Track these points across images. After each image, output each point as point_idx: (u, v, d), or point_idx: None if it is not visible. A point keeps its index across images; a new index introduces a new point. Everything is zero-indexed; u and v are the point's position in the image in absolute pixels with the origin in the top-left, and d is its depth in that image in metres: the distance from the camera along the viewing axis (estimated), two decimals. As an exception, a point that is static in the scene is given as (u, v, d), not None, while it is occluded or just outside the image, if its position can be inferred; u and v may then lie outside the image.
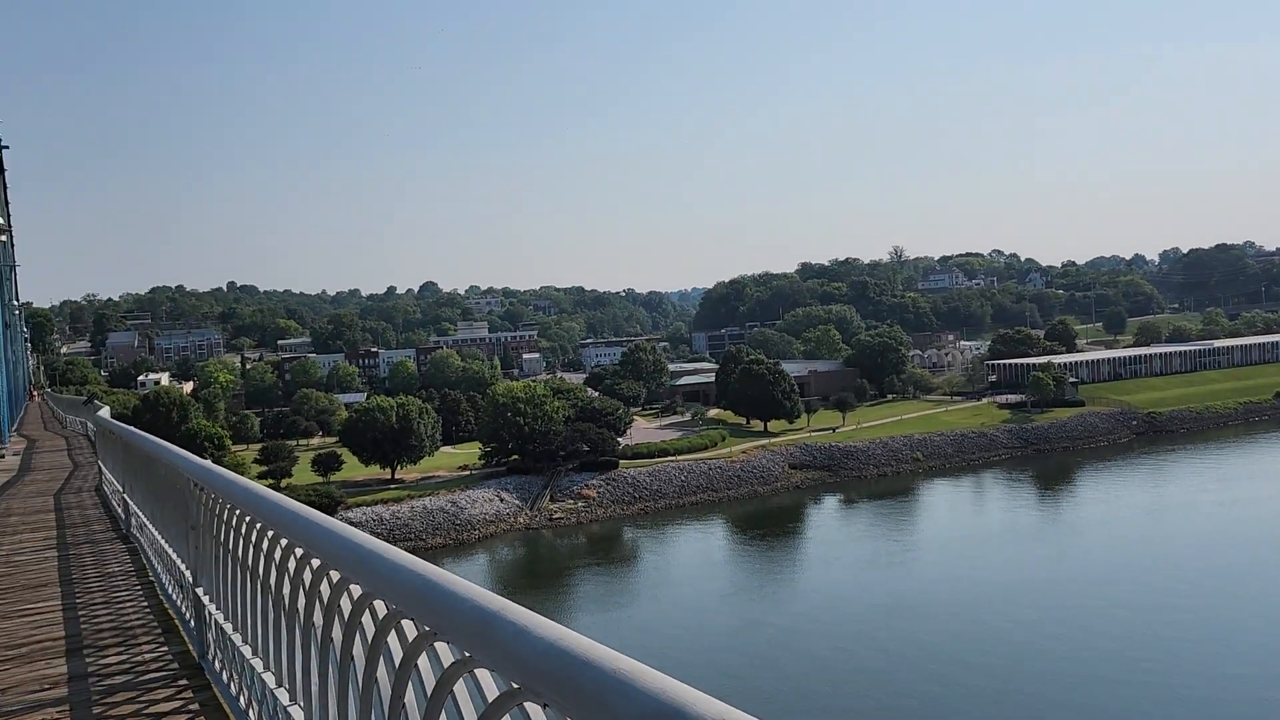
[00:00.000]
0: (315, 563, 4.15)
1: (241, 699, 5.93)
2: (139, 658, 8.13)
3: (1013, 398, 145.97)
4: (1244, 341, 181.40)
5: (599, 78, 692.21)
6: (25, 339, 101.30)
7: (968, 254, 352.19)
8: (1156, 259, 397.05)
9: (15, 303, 72.39)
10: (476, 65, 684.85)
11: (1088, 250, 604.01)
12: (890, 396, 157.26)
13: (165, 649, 8.33)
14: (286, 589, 4.68)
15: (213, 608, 6.84)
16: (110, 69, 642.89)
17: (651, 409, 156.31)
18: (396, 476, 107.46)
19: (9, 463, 31.28)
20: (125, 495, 14.94)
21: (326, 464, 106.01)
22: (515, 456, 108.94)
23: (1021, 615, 63.79)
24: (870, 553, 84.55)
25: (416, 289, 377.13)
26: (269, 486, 5.70)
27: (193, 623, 7.99)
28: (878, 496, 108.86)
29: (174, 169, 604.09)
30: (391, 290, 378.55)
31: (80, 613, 10.06)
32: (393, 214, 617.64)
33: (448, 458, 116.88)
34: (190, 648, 8.17)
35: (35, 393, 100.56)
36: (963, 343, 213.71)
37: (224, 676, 6.60)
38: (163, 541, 10.07)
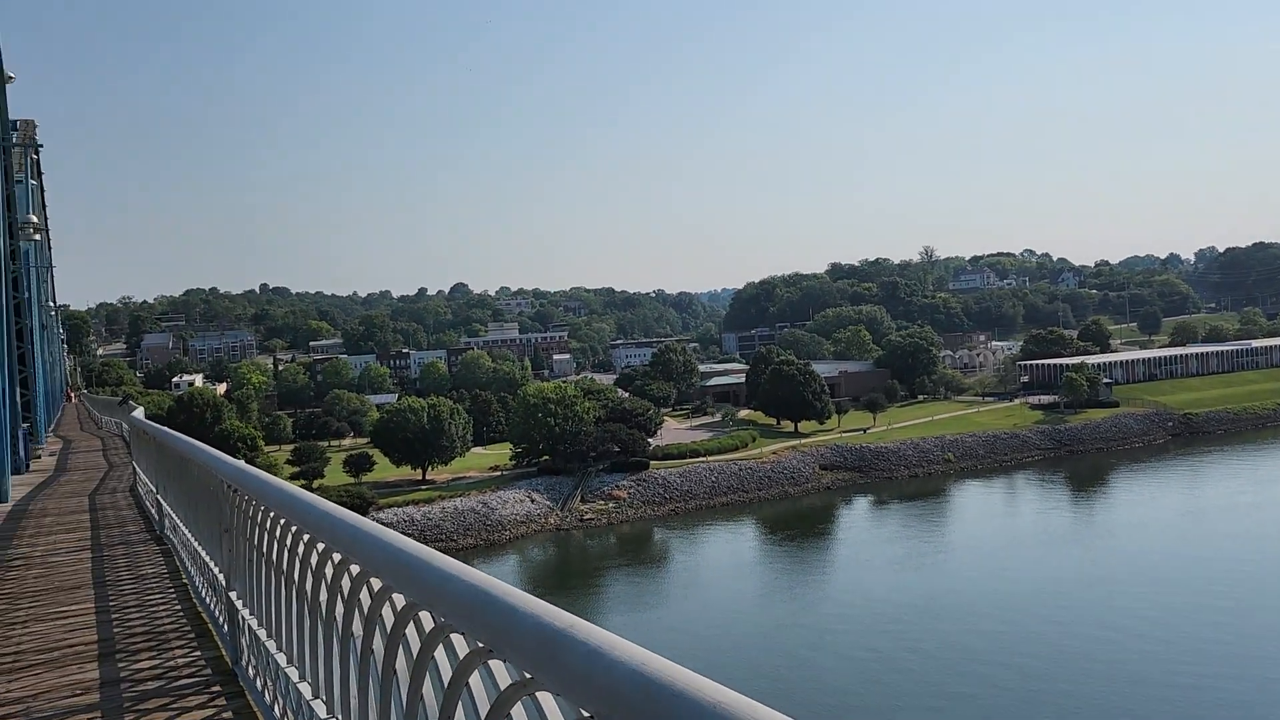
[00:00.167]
0: (354, 569, 3.93)
1: (276, 708, 5.73)
2: (171, 663, 7.98)
3: (1046, 398, 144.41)
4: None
5: (629, 77, 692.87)
6: (62, 341, 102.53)
7: (999, 254, 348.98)
8: (1192, 258, 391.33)
9: (51, 304, 73.23)
10: (505, 66, 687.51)
11: (1121, 249, 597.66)
12: (921, 397, 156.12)
13: (198, 654, 8.17)
14: (324, 596, 4.46)
15: (246, 613, 6.65)
16: (145, 73, 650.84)
17: (682, 410, 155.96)
18: (428, 477, 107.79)
19: (45, 463, 31.49)
20: (159, 496, 14.87)
21: (358, 465, 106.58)
22: (546, 457, 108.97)
23: (1056, 616, 63.10)
24: (902, 554, 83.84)
25: (447, 290, 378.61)
26: (301, 487, 5.45)
27: (226, 627, 7.82)
28: (909, 498, 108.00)
29: (208, 172, 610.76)
30: (422, 291, 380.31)
31: (113, 616, 9.94)
32: (424, 216, 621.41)
33: (478, 458, 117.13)
34: (224, 653, 8.00)
35: (72, 394, 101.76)
36: (994, 343, 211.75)
37: (258, 684, 6.41)
38: (195, 543, 9.93)
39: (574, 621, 2.17)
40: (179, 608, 10.01)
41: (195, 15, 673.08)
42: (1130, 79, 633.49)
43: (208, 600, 9.26)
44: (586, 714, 2.01)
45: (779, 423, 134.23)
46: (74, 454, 35.70)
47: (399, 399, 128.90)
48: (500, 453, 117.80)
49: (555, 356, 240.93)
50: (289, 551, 5.17)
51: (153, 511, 16.27)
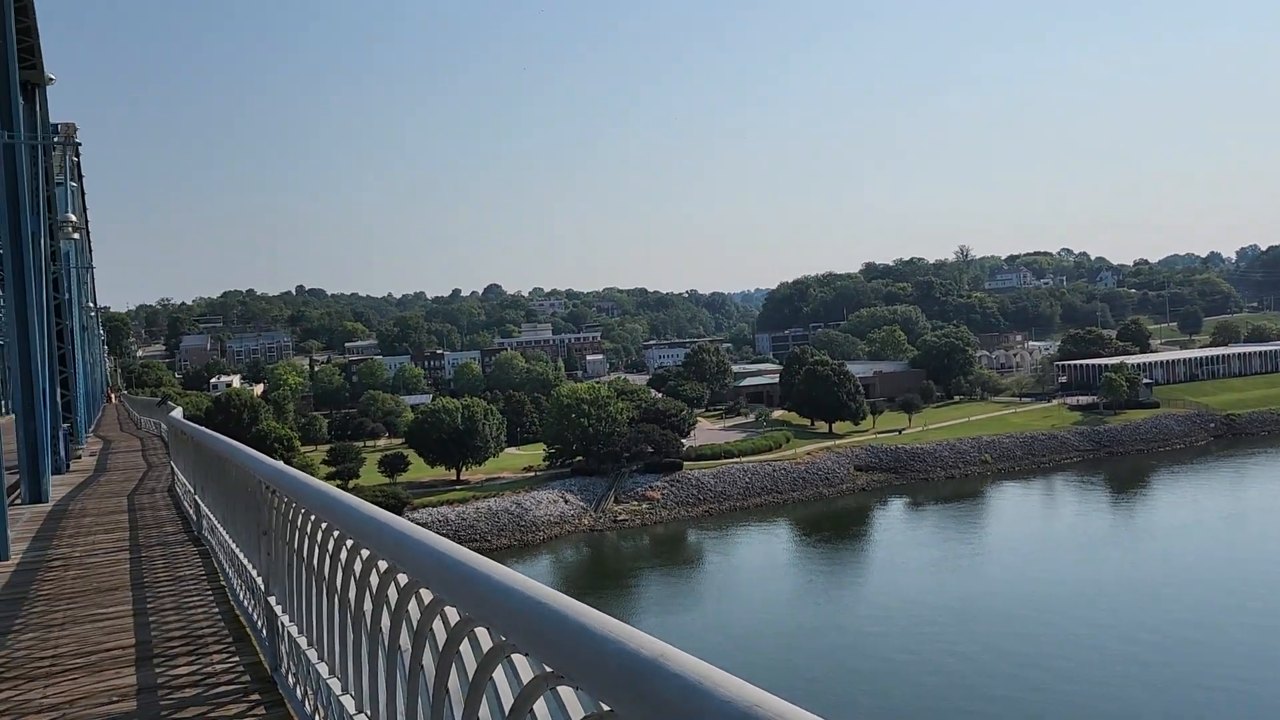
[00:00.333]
0: (402, 579, 3.69)
1: (317, 718, 5.53)
2: (209, 669, 7.82)
3: (1084, 399, 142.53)
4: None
5: (661, 76, 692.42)
6: (102, 342, 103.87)
7: (1036, 253, 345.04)
8: (1234, 256, 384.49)
9: (92, 306, 74.14)
10: (539, 66, 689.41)
11: (1161, 248, 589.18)
12: (957, 398, 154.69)
13: (236, 659, 8.00)
14: (369, 606, 4.23)
15: (285, 619, 6.45)
16: (184, 76, 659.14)
17: (715, 410, 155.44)
18: (462, 478, 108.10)
19: (86, 463, 31.74)
20: (197, 496, 14.79)
21: (393, 465, 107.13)
22: (579, 458, 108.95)
23: (1096, 619, 62.28)
24: (938, 556, 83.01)
25: (481, 291, 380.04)
26: (336, 488, 5.23)
27: (265, 633, 7.64)
28: (945, 499, 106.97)
29: (245, 175, 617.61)
30: (456, 293, 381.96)
31: (150, 619, 9.82)
32: (457, 217, 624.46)
33: (512, 459, 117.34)
34: (262, 659, 7.82)
35: (112, 395, 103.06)
36: (1031, 343, 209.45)
37: (298, 693, 6.20)
38: (234, 545, 9.78)
39: (664, 650, 1.92)
40: (217, 611, 9.87)
41: (233, 20, 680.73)
42: (1171, 75, 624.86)
43: (246, 604, 9.10)
44: None
45: (813, 423, 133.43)
46: (113, 454, 35.96)
47: (433, 399, 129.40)
48: (534, 453, 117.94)
49: (588, 357, 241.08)
50: (330, 557, 4.95)
51: (190, 512, 16.21)
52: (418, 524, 4.63)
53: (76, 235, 32.96)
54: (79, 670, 8.09)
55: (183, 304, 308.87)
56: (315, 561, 5.38)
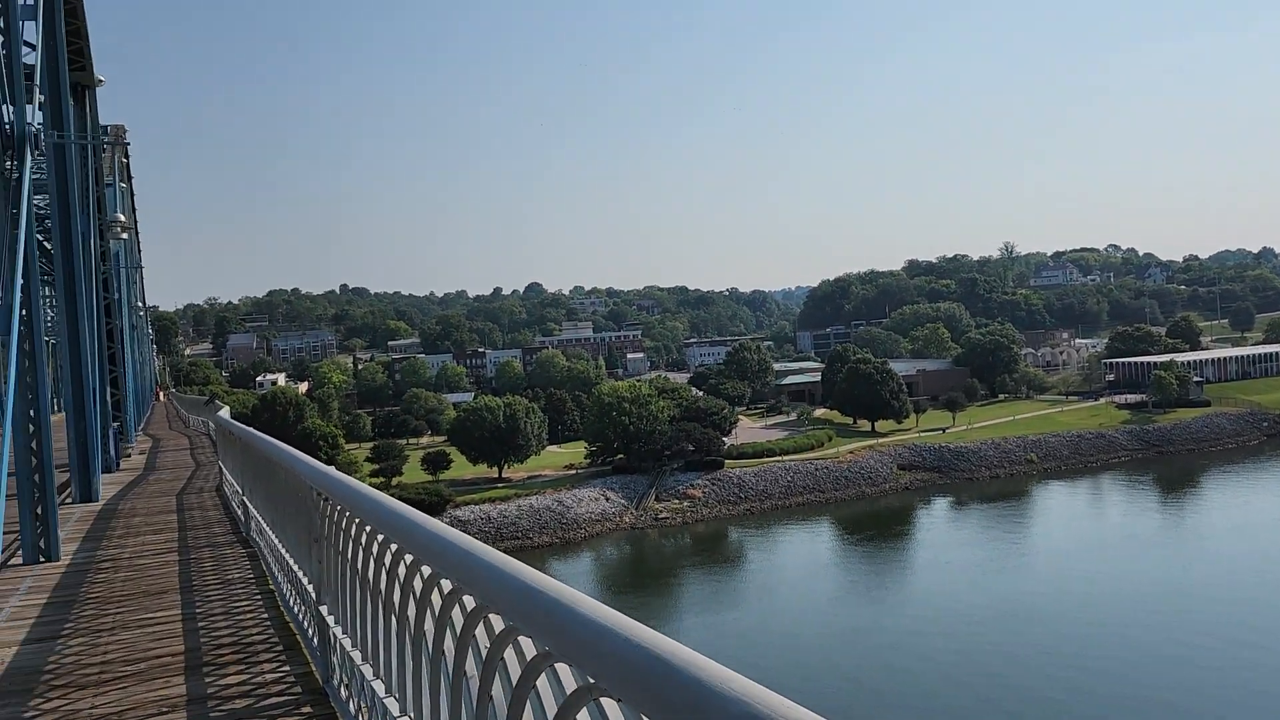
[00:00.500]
0: (469, 601, 3.44)
1: (372, 736, 5.32)
2: (260, 679, 7.64)
3: (1133, 398, 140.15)
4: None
5: (701, 77, 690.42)
6: (151, 341, 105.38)
7: (1082, 249, 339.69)
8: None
9: (141, 305, 75.19)
10: (577, 65, 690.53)
11: (1211, 243, 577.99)
12: (1002, 396, 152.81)
13: (287, 669, 7.82)
14: (430, 627, 3.99)
15: (338, 631, 6.23)
16: (229, 78, 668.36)
17: (756, 409, 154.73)
18: (503, 475, 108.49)
19: (135, 461, 32.02)
20: (245, 498, 14.71)
21: (435, 463, 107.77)
22: (620, 456, 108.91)
23: (1146, 621, 61.19)
24: (983, 557, 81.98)
25: (522, 290, 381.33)
26: (379, 486, 4.97)
27: (316, 642, 7.45)
28: (990, 499, 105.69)
29: (290, 175, 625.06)
30: (497, 291, 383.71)
31: (200, 624, 9.69)
32: (498, 216, 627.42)
33: (553, 457, 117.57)
34: (314, 669, 7.64)
35: (161, 393, 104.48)
36: (1078, 341, 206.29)
37: (351, 707, 5.99)
38: (283, 550, 9.63)
39: (729, 677, 1.81)
40: (266, 617, 9.73)
41: (279, 22, 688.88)
42: (1218, 67, 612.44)
43: (296, 610, 8.93)
44: None
45: (855, 422, 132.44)
46: (162, 452, 36.29)
47: (475, 398, 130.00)
48: (575, 451, 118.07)
49: (629, 355, 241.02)
50: (388, 573, 4.71)
51: (239, 513, 16.17)
52: (460, 522, 4.43)
53: (125, 235, 33.31)
54: (128, 679, 7.96)
55: (229, 303, 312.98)
56: (370, 575, 5.15)
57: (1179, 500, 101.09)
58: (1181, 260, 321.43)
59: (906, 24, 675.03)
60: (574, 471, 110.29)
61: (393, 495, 5.91)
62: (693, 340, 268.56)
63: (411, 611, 4.31)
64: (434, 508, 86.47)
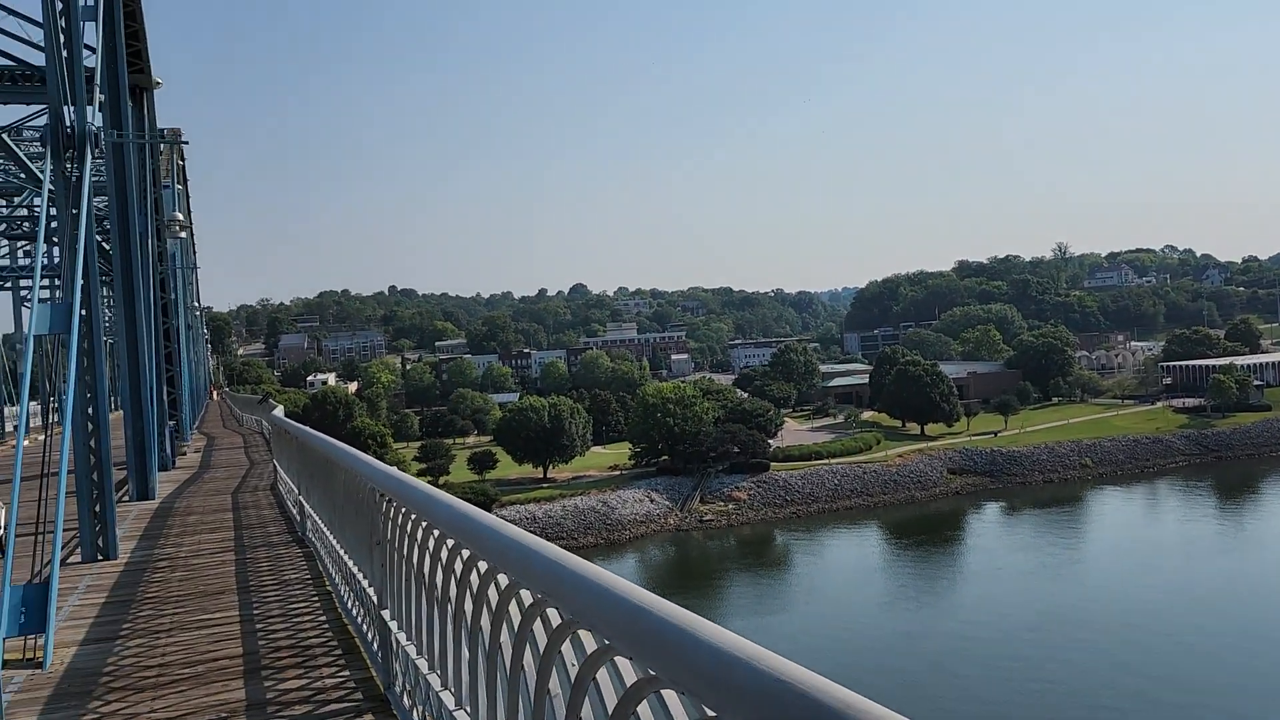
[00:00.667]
0: (552, 614, 3.21)
1: (438, 746, 5.11)
2: (319, 684, 7.49)
3: (1190, 401, 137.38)
4: None
5: (745, 75, 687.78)
6: (206, 340, 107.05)
7: (1138, 250, 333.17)
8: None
9: (197, 306, 76.37)
10: (620, 65, 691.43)
11: (1271, 244, 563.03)
12: (1055, 400, 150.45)
13: (347, 674, 7.66)
14: (506, 638, 3.77)
15: (402, 637, 6.04)
16: (279, 84, 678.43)
17: (803, 411, 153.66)
18: (548, 475, 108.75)
19: (190, 459, 32.37)
20: (301, 498, 14.66)
21: (482, 462, 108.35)
22: (665, 457, 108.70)
23: (1208, 627, 59.99)
24: (1036, 563, 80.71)
25: (566, 291, 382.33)
26: (467, 502, 4.75)
27: (376, 646, 7.28)
28: (1043, 504, 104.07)
29: (338, 178, 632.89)
30: (542, 292, 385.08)
31: (258, 626, 9.59)
32: (543, 217, 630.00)
33: (598, 457, 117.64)
34: (374, 674, 7.47)
35: (215, 392, 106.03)
36: (1134, 343, 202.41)
37: (415, 716, 5.79)
38: (341, 551, 9.49)
39: (790, 669, 1.82)
40: (324, 619, 9.60)
41: (327, 27, 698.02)
42: (1273, 63, 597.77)
43: (354, 612, 8.79)
44: None
45: (904, 425, 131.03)
46: (217, 451, 36.68)
47: (520, 398, 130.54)
48: (619, 452, 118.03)
49: (673, 356, 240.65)
50: (459, 581, 4.49)
51: (294, 513, 16.15)
52: (506, 521, 4.27)
53: (184, 234, 33.77)
54: (186, 682, 7.86)
55: (281, 304, 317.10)
56: (439, 581, 4.94)
57: (1238, 506, 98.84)
58: (1240, 261, 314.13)
59: (955, 16, 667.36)
60: (618, 472, 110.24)
61: None
62: (737, 342, 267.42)
63: (486, 623, 4.09)
64: (480, 507, 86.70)
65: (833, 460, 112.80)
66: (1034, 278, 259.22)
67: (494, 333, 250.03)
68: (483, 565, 4.13)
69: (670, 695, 2.40)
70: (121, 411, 20.87)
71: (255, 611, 10.23)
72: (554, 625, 3.17)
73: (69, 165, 13.58)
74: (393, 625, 6.39)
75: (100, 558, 14.04)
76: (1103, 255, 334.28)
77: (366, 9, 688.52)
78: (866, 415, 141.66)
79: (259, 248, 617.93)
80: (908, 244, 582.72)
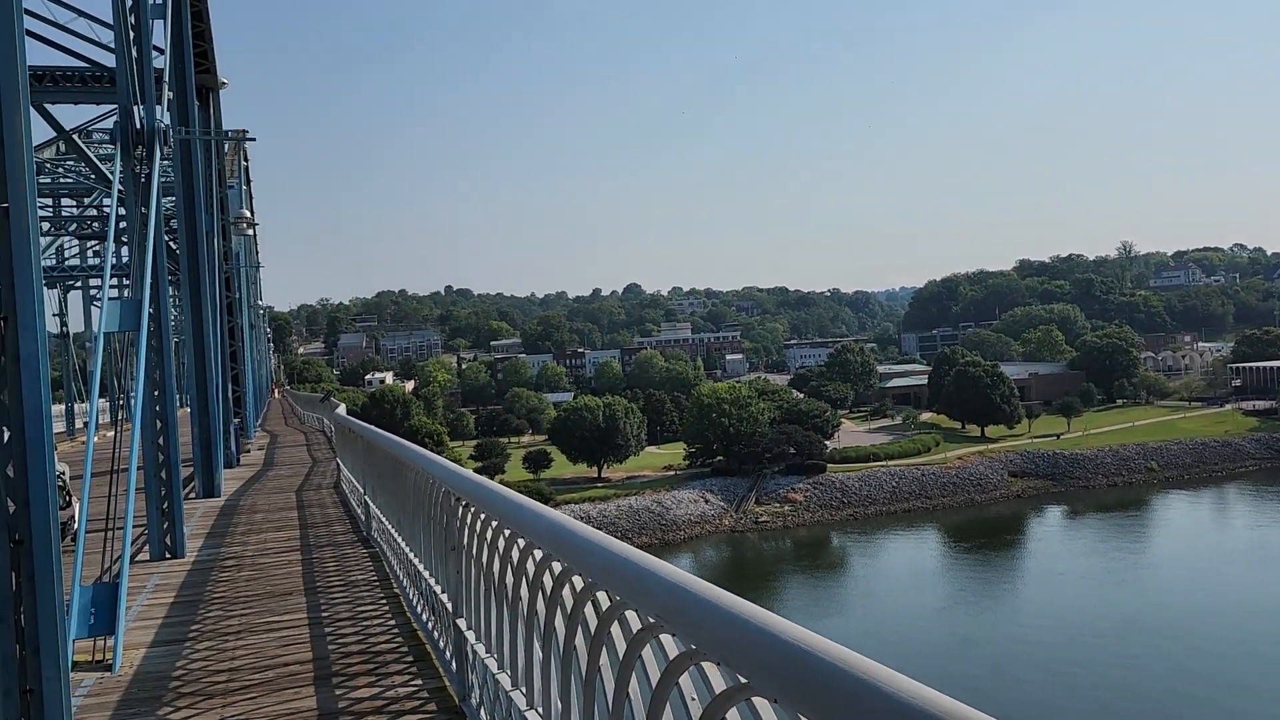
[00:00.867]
0: (667, 640, 2.91)
1: (521, 767, 4.84)
2: (391, 693, 7.27)
3: (1261, 404, 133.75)
4: None
5: (802, 73, 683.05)
6: (268, 339, 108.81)
7: (1205, 248, 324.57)
8: None
9: (260, 304, 77.55)
10: (680, 64, 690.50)
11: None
12: (1120, 401, 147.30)
13: (419, 682, 7.44)
14: (607, 662, 3.48)
15: (480, 649, 5.77)
16: (338, 86, 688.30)
17: (860, 412, 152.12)
18: (603, 475, 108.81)
19: (254, 457, 32.68)
20: (366, 498, 14.55)
21: (536, 461, 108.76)
22: (720, 458, 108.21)
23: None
24: (1100, 568, 79.04)
25: (621, 291, 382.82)
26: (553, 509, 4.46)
27: (449, 655, 7.05)
28: (1107, 508, 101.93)
29: (397, 179, 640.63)
30: (597, 292, 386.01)
31: (326, 630, 9.42)
32: (598, 217, 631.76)
33: (652, 457, 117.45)
34: (446, 683, 7.24)
35: (276, 390, 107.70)
36: (1201, 344, 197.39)
37: (493, 730, 5.53)
38: (410, 554, 9.29)
39: (879, 671, 1.83)
40: (393, 623, 9.41)
41: (386, 27, 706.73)
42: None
43: (424, 618, 8.58)
44: None
45: (964, 427, 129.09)
46: (280, 448, 37.03)
47: (575, 397, 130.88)
48: (674, 452, 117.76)
49: (728, 356, 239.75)
50: (548, 598, 4.20)
51: (359, 512, 16.07)
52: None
53: (251, 231, 34.15)
54: (256, 688, 7.69)
55: (340, 304, 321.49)
56: (524, 593, 4.66)
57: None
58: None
59: (1015, 10, 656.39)
60: (673, 473, 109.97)
61: None
62: (793, 341, 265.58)
63: (581, 644, 3.80)
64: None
65: (890, 462, 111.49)
66: (1098, 277, 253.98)
67: (549, 332, 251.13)
68: (578, 581, 3.84)
69: (762, 704, 2.10)
70: (188, 409, 21.05)
71: (324, 614, 10.08)
72: (671, 656, 2.86)
73: (138, 163, 13.62)
74: (469, 636, 6.13)
75: (168, 556, 14.06)
76: (1169, 254, 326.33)
77: (426, 10, 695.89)
78: (925, 417, 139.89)
79: (318, 248, 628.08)
80: (967, 243, 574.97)
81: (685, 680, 2.81)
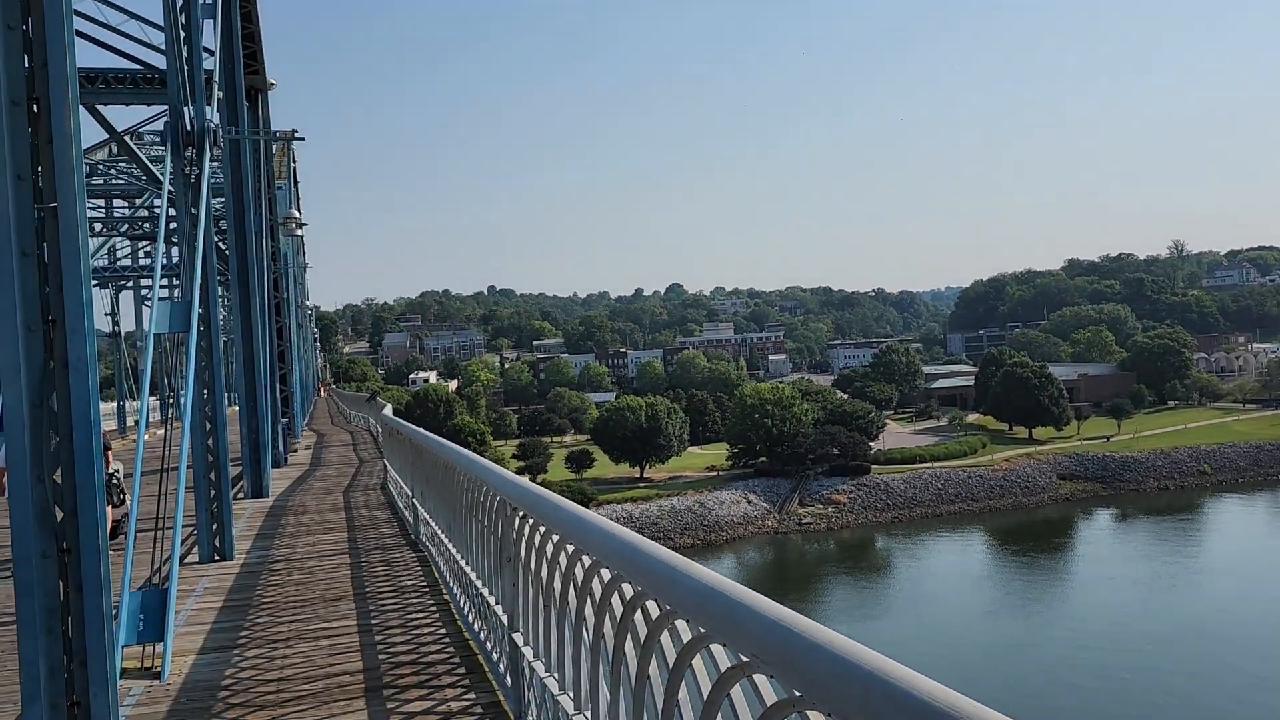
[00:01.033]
0: (763, 681, 2.64)
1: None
2: (444, 707, 7.05)
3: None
4: None
5: (845, 73, 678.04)
6: (314, 339, 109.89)
7: (1261, 247, 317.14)
8: None
9: (307, 304, 78.31)
10: (720, 63, 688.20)
11: None
12: (1172, 403, 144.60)
13: (472, 697, 7.21)
14: (686, 696, 3.21)
15: (539, 667, 5.52)
16: (384, 87, 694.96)
17: (905, 413, 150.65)
18: (645, 475, 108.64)
19: (301, 456, 32.79)
20: (415, 501, 14.40)
21: (579, 461, 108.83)
22: (763, 459, 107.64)
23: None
24: (1152, 573, 77.59)
25: (663, 291, 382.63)
26: (621, 526, 4.18)
27: (503, 669, 6.81)
28: (1159, 512, 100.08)
29: (441, 180, 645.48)
30: (639, 292, 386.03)
31: (376, 638, 9.24)
32: (640, 217, 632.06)
33: (695, 458, 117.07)
34: (500, 698, 7.00)
35: (322, 389, 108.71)
36: (1256, 345, 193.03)
37: (553, 753, 5.28)
38: (461, 562, 9.08)
39: (946, 692, 1.81)
40: (444, 632, 9.20)
41: (435, 28, 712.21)
42: None
43: (475, 627, 8.36)
44: None
45: (1011, 429, 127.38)
46: (326, 448, 37.17)
47: (617, 397, 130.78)
48: (716, 453, 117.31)
49: (770, 357, 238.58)
50: (617, 622, 3.93)
51: (407, 515, 15.95)
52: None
53: (300, 231, 34.32)
54: (306, 699, 7.50)
55: (385, 304, 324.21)
56: (588, 612, 4.40)
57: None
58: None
59: (1062, 5, 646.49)
60: (715, 473, 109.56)
61: None
62: (837, 342, 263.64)
63: (655, 673, 3.54)
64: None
65: (936, 464, 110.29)
66: (1149, 277, 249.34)
67: (591, 332, 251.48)
68: (652, 606, 3.57)
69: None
70: (237, 408, 21.10)
71: (373, 621, 9.90)
72: (770, 703, 2.58)
73: (188, 163, 13.59)
74: (526, 652, 5.89)
75: (217, 558, 14.01)
76: (1222, 253, 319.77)
77: (468, 13, 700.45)
78: (971, 418, 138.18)
79: (363, 249, 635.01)
80: (1014, 242, 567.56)
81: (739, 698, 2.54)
